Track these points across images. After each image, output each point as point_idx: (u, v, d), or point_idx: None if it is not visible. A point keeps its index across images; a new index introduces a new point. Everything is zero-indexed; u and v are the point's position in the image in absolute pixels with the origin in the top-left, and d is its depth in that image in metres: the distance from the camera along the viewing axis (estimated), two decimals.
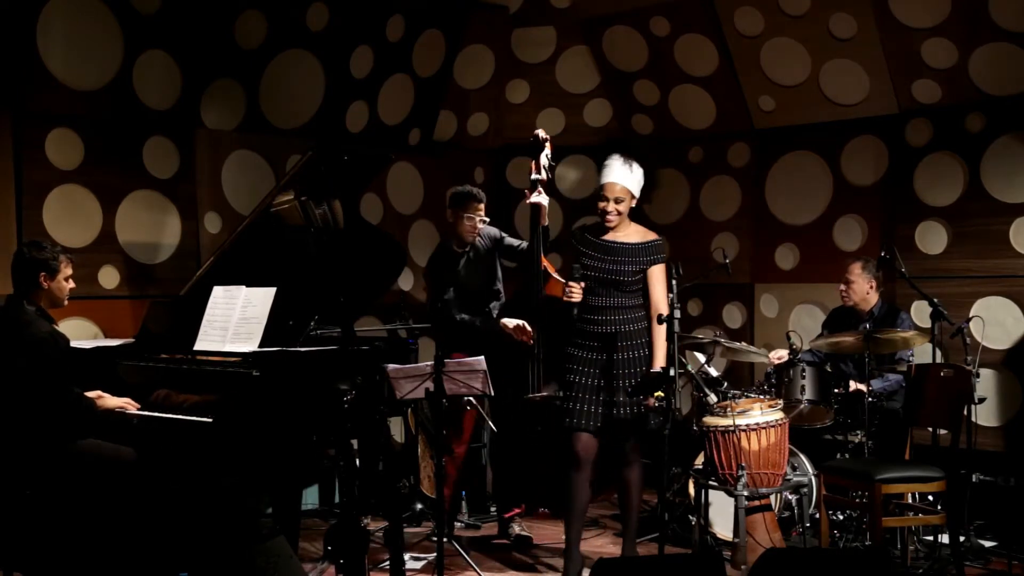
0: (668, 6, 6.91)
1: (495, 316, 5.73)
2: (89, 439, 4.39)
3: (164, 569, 4.32)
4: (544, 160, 5.12)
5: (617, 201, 4.86)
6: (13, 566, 4.22)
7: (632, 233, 4.96)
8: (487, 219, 5.70)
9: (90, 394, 4.49)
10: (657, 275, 4.92)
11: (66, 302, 4.60)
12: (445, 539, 4.85)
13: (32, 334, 4.35)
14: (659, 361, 4.81)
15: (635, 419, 4.88)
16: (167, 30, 5.83)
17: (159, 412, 4.52)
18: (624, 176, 4.88)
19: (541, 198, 5.17)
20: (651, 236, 4.99)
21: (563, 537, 5.65)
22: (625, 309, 4.90)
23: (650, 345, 4.91)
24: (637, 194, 4.93)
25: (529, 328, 5.27)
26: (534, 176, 5.11)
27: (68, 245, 5.59)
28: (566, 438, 4.90)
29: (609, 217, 4.87)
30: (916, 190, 6.46)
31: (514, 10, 7.26)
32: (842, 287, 5.99)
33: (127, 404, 4.52)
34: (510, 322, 5.40)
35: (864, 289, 5.92)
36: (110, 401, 4.51)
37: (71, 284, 4.58)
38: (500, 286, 5.84)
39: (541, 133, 5.16)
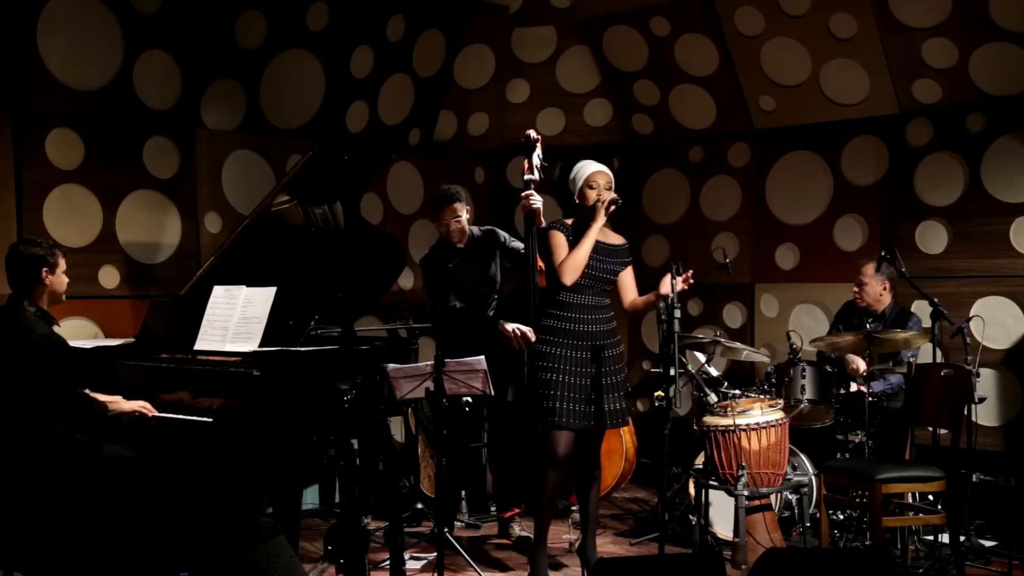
0: (668, 6, 6.91)
1: (492, 315, 5.75)
2: (100, 440, 4.38)
3: (164, 569, 4.32)
4: (536, 160, 5.13)
5: (608, 187, 4.88)
6: (13, 566, 4.22)
7: (610, 235, 5.00)
8: (462, 218, 5.70)
9: (103, 398, 4.47)
10: (629, 273, 5.02)
11: (64, 297, 4.58)
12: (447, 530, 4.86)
13: (32, 337, 4.34)
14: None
15: (616, 419, 4.88)
16: (167, 30, 5.83)
17: (171, 413, 4.50)
18: (607, 168, 4.96)
19: (536, 203, 5.15)
20: (621, 238, 5.05)
21: (563, 537, 5.70)
22: (603, 308, 4.92)
23: (620, 343, 4.99)
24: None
25: (532, 336, 5.21)
26: (527, 176, 5.11)
27: (68, 245, 5.61)
28: (546, 436, 4.85)
29: (609, 202, 4.81)
30: (916, 190, 6.46)
31: (514, 10, 7.26)
32: (855, 289, 5.97)
33: (144, 408, 4.51)
34: (510, 326, 5.40)
35: (877, 291, 5.90)
36: (125, 405, 4.49)
37: (67, 278, 4.56)
38: (498, 284, 5.84)
39: (532, 133, 5.17)
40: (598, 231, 4.82)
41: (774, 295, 7.14)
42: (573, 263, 4.79)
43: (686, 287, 4.68)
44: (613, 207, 4.82)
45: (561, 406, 4.80)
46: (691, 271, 4.69)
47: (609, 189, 4.89)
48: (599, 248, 4.88)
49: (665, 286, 4.66)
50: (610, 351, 4.89)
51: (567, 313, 4.87)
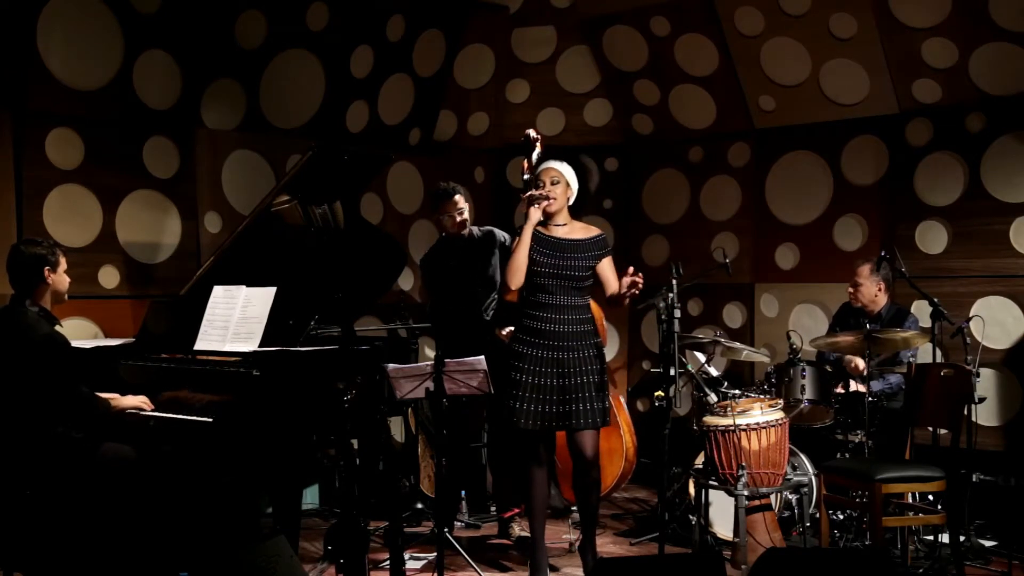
0: (668, 6, 6.91)
1: (491, 316, 5.76)
2: (98, 439, 4.39)
3: (164, 569, 4.32)
4: (536, 159, 5.14)
5: (553, 182, 4.84)
6: (13, 566, 4.23)
7: (577, 229, 4.94)
8: (464, 209, 5.73)
9: (104, 396, 4.48)
10: (608, 265, 4.91)
11: (67, 296, 4.59)
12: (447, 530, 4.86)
13: (34, 336, 4.34)
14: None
15: (589, 417, 4.82)
16: (167, 30, 5.83)
17: (171, 413, 4.50)
18: (557, 163, 4.92)
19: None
20: (595, 231, 4.98)
21: (563, 537, 5.70)
22: (575, 308, 4.85)
23: (599, 345, 4.92)
24: (573, 184, 4.92)
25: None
26: (527, 176, 5.13)
27: (68, 245, 5.60)
28: (523, 438, 4.86)
29: (550, 199, 4.81)
30: (916, 190, 6.46)
31: (514, 10, 7.26)
32: (850, 289, 5.97)
33: (143, 404, 4.51)
34: (505, 331, 5.45)
35: (872, 292, 5.88)
36: (125, 401, 4.49)
37: (68, 277, 4.58)
38: (498, 285, 5.84)
39: (532, 133, 5.18)
40: (531, 230, 4.80)
41: (774, 295, 7.14)
42: (510, 268, 4.80)
43: (635, 291, 4.66)
44: (537, 204, 4.80)
45: (521, 406, 4.79)
46: (639, 274, 4.67)
47: (556, 184, 4.85)
48: (559, 245, 4.85)
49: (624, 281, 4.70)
50: (581, 352, 4.84)
51: (536, 312, 4.85)
